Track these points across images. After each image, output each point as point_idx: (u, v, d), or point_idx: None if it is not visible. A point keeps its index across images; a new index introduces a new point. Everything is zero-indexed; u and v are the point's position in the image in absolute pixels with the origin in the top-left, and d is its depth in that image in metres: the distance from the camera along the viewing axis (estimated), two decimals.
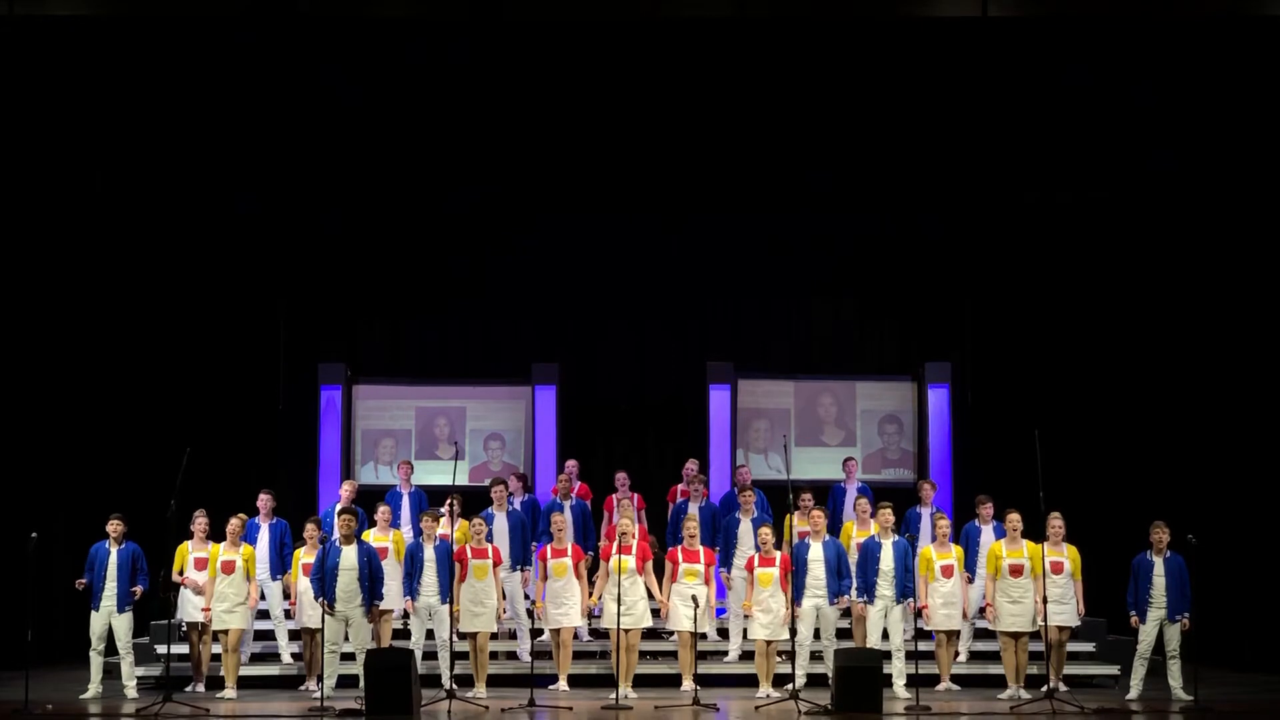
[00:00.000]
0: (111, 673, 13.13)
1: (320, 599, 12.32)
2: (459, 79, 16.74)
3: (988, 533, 13.50)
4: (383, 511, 13.74)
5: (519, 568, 13.56)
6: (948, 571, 12.80)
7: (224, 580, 12.96)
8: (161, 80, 16.31)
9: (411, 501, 14.65)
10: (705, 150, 17.09)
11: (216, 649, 13.38)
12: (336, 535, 12.71)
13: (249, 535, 13.54)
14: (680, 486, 14.95)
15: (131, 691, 12.86)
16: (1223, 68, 15.77)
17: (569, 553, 12.93)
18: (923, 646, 12.96)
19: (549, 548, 12.98)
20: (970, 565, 13.36)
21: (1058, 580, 12.54)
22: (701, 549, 12.92)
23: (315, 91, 16.61)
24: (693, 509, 14.10)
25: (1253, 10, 15.29)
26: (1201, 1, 15.41)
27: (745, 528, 13.74)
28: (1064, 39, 16.01)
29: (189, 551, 13.20)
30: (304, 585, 13.06)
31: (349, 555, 12.47)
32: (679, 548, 12.94)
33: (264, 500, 13.94)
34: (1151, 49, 15.88)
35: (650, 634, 13.64)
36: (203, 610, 13.01)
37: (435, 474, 15.86)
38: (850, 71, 16.59)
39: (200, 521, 13.26)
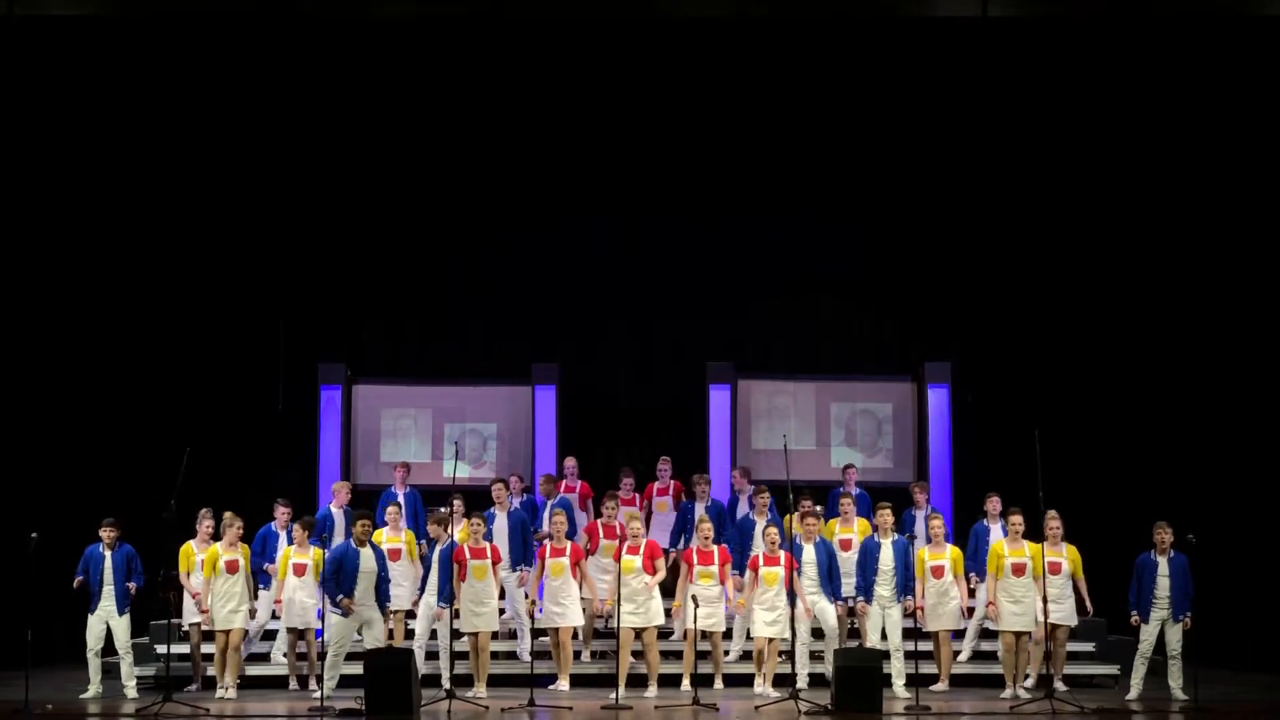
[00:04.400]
0: (111, 673, 13.14)
1: (343, 598, 12.24)
2: (459, 79, 16.76)
3: (996, 531, 13.50)
4: (392, 512, 13.73)
5: (519, 568, 13.56)
6: (938, 572, 12.83)
7: (228, 580, 12.93)
8: (161, 81, 16.32)
9: (407, 502, 14.64)
10: (705, 150, 17.09)
11: (208, 648, 13.34)
12: (351, 536, 12.65)
13: (270, 545, 13.53)
14: (657, 485, 14.96)
15: (131, 691, 12.87)
16: (1222, 68, 15.76)
17: (567, 552, 12.95)
18: (923, 646, 12.96)
19: (548, 546, 13.02)
20: (980, 564, 13.34)
21: (1055, 580, 12.55)
22: (715, 549, 12.99)
23: (315, 92, 16.62)
24: (700, 510, 14.11)
25: (1253, 10, 15.29)
26: (1202, 1, 15.40)
27: (762, 527, 13.71)
28: (1064, 39, 16.01)
29: (194, 552, 13.17)
30: (293, 584, 13.06)
31: (368, 557, 12.43)
32: (693, 549, 13.01)
33: (282, 512, 13.88)
34: (1151, 49, 15.88)
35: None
36: (201, 612, 13.00)
37: (435, 474, 15.86)
38: (850, 71, 16.60)
39: (207, 523, 13.25)
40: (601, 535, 13.68)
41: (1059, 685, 12.58)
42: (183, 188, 16.92)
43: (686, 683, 12.76)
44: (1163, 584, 12.48)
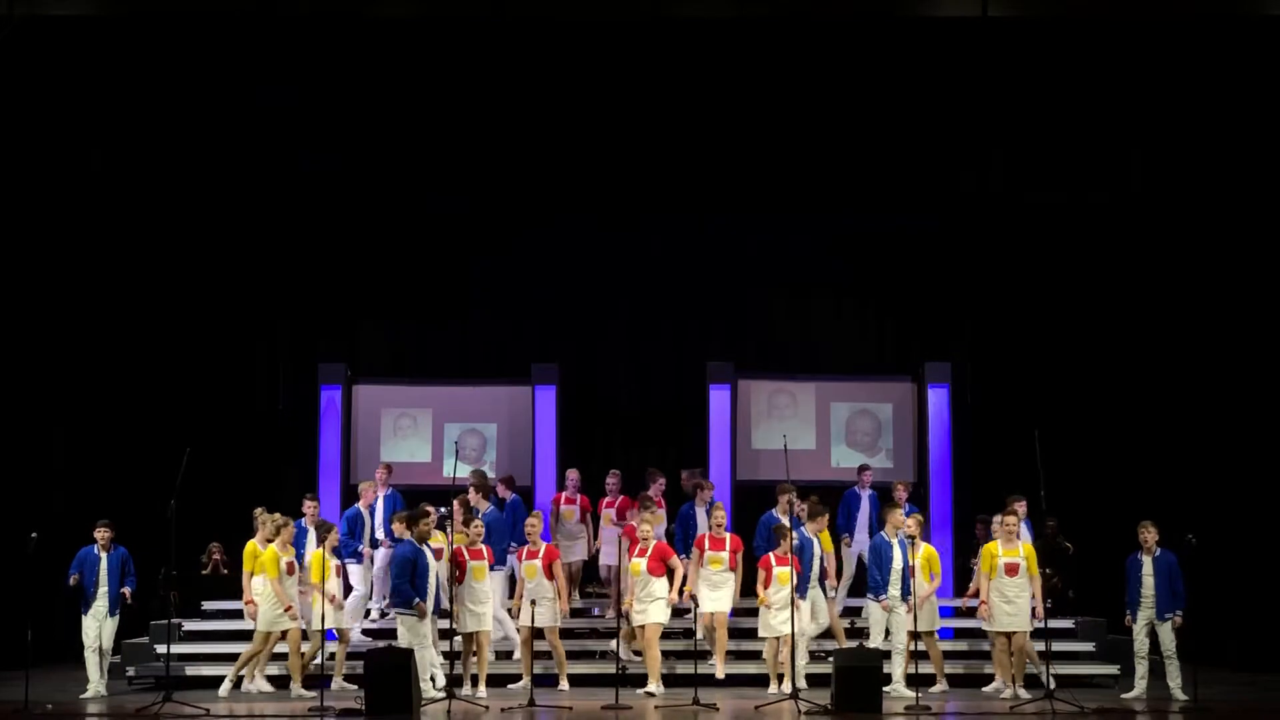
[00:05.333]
0: (113, 673, 13.19)
1: (419, 601, 12.16)
2: (459, 79, 16.75)
3: (1023, 531, 13.44)
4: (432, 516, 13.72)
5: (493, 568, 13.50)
6: (911, 572, 12.86)
7: (290, 581, 12.89)
8: (161, 80, 16.33)
9: (386, 504, 14.55)
10: (706, 150, 17.09)
11: (233, 649, 13.33)
12: (407, 536, 12.65)
13: (298, 540, 13.45)
14: (606, 499, 14.72)
15: (101, 689, 12.94)
16: (1222, 68, 15.76)
17: (541, 554, 13.00)
18: (923, 646, 12.97)
19: (524, 549, 13.14)
20: None
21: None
22: (728, 536, 13.13)
23: (315, 91, 16.62)
24: (700, 513, 14.09)
25: (1252, 10, 15.29)
26: (1201, 1, 15.40)
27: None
28: (1064, 39, 16.01)
29: (279, 554, 12.96)
30: (335, 585, 12.99)
31: (429, 556, 12.42)
32: (706, 535, 13.22)
33: (310, 507, 13.84)
34: (1151, 49, 15.88)
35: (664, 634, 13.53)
36: (286, 610, 12.81)
37: (435, 474, 15.84)
38: (850, 71, 16.60)
39: (289, 528, 13.16)
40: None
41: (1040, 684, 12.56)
42: (182, 187, 16.92)
43: (719, 670, 13.06)
44: (1148, 583, 12.48)
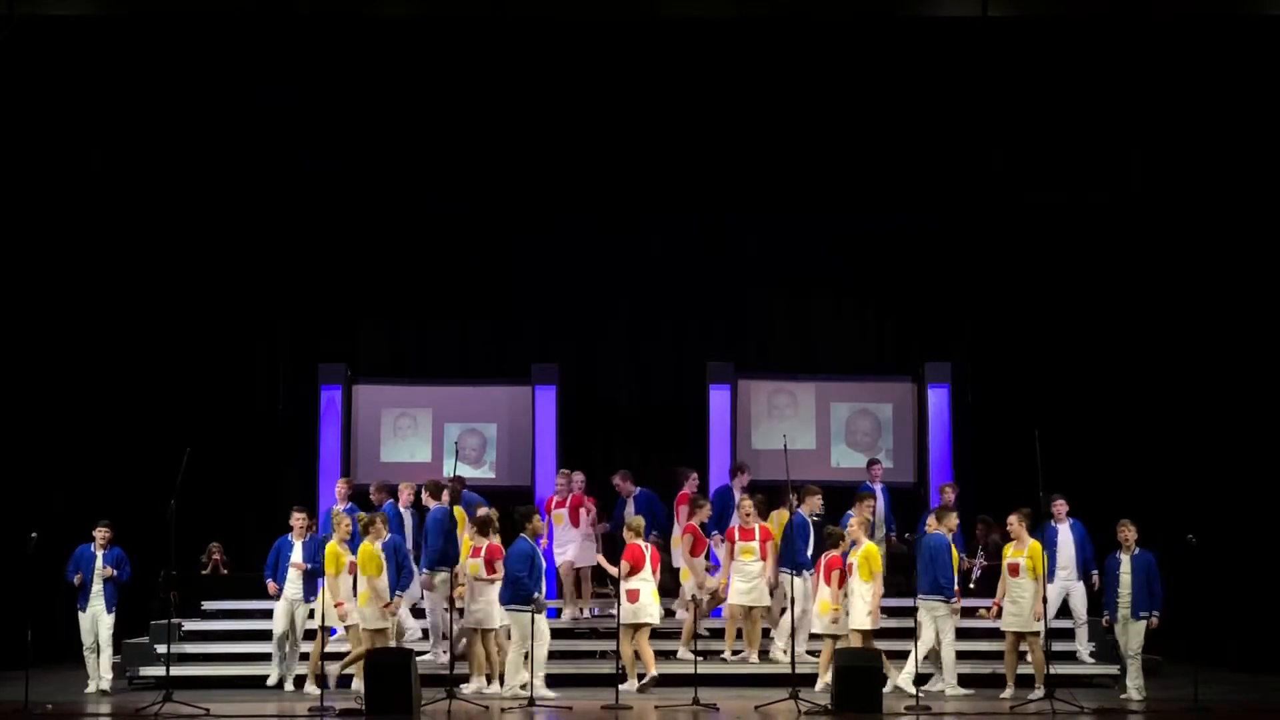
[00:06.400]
0: (113, 672, 13.21)
1: (536, 595, 12.18)
2: (459, 79, 16.76)
3: (1064, 531, 13.50)
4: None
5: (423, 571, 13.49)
6: (851, 569, 12.84)
7: (361, 581, 12.62)
8: (161, 80, 16.33)
9: (352, 511, 14.47)
10: (706, 150, 17.09)
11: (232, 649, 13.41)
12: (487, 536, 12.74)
13: (284, 556, 13.24)
14: (556, 498, 14.58)
15: (105, 684, 13.05)
16: (1222, 68, 15.77)
17: (483, 552, 12.87)
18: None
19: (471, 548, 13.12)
20: (1051, 566, 13.17)
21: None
22: (757, 526, 13.34)
23: (315, 91, 16.63)
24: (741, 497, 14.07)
25: (1252, 10, 15.29)
26: (1201, 1, 15.40)
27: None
28: (1064, 39, 16.02)
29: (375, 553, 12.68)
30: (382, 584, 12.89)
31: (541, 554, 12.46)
32: (736, 527, 13.47)
33: (298, 520, 13.53)
34: (1151, 49, 15.89)
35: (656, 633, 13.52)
36: (337, 606, 12.58)
37: (435, 474, 15.81)
38: (850, 71, 16.61)
39: (347, 523, 13.00)
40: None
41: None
42: (183, 187, 16.93)
43: (728, 652, 13.44)
44: (1125, 582, 12.44)
